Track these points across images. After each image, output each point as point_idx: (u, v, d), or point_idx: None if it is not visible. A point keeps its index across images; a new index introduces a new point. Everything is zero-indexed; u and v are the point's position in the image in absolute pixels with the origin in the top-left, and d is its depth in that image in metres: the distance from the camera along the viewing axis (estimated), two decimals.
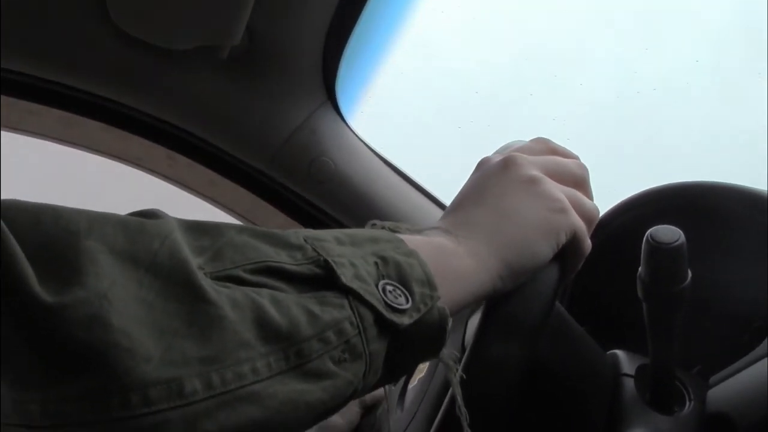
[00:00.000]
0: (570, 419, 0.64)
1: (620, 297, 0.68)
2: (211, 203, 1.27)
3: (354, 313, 0.41)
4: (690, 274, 0.59)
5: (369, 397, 0.86)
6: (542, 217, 0.53)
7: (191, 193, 1.26)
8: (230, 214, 1.28)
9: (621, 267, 0.68)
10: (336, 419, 0.84)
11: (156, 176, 1.25)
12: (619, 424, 0.61)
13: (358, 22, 1.07)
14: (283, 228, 1.32)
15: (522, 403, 0.53)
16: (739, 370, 0.64)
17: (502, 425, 0.51)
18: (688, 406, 0.63)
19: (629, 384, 0.65)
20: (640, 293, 0.61)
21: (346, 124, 1.21)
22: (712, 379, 0.66)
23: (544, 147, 0.60)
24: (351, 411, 0.85)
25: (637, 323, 0.63)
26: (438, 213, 1.22)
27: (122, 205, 0.47)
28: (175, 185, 1.25)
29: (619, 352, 0.68)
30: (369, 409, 0.86)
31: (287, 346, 0.38)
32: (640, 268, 0.60)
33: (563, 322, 0.65)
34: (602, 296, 0.82)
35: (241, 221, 1.27)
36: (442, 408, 0.53)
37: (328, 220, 1.21)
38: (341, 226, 1.20)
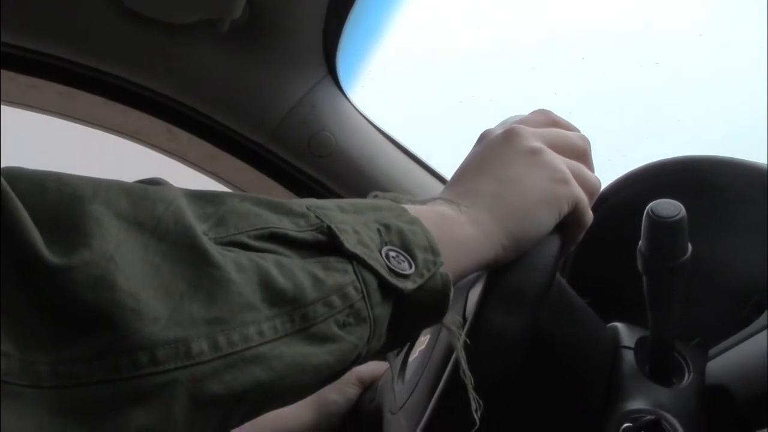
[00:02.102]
0: (569, 391, 0.65)
1: (621, 270, 0.68)
2: (211, 177, 1.27)
3: (358, 277, 0.42)
4: (690, 247, 0.59)
5: (367, 374, 0.86)
6: (544, 187, 0.53)
7: (191, 167, 1.26)
8: (231, 189, 1.27)
9: (622, 240, 0.68)
10: (334, 396, 0.84)
11: (156, 150, 1.24)
12: (619, 395, 0.62)
13: None
14: None
15: (522, 374, 0.53)
16: (738, 343, 0.64)
17: (504, 394, 0.52)
18: (687, 378, 0.63)
19: (629, 356, 0.65)
20: (640, 267, 0.61)
21: (347, 98, 1.21)
22: (711, 351, 0.66)
23: (545, 119, 0.60)
24: (349, 388, 0.85)
25: (637, 296, 0.63)
26: (439, 187, 1.22)
27: None
28: (175, 159, 1.25)
29: (619, 325, 0.68)
30: (367, 387, 0.86)
31: (292, 309, 0.39)
32: (640, 242, 0.60)
33: (564, 294, 0.65)
34: (603, 269, 0.82)
35: None
36: (444, 377, 0.53)
37: (328, 194, 1.21)
38: None
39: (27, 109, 1.19)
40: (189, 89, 1.16)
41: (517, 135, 0.55)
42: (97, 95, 1.16)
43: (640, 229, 0.59)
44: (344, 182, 1.21)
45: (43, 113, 1.20)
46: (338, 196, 1.20)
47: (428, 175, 1.24)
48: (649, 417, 0.59)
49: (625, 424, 0.59)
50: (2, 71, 1.11)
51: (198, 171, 1.26)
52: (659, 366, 0.64)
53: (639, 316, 0.65)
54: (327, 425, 0.84)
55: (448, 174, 1.22)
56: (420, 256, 0.45)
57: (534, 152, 0.54)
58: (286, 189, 1.23)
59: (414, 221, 0.47)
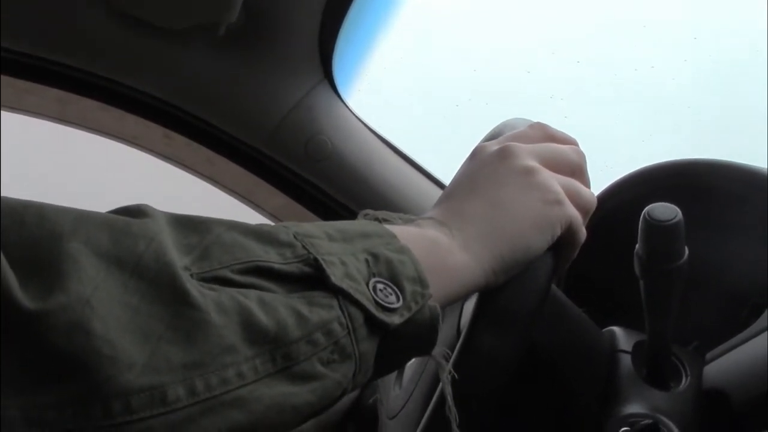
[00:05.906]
0: (567, 396, 0.65)
1: (617, 274, 0.68)
2: (208, 182, 1.27)
3: (343, 313, 0.41)
4: (687, 251, 0.59)
5: None
6: (537, 210, 0.52)
7: (189, 172, 1.26)
8: (228, 193, 1.28)
9: (618, 245, 0.68)
10: None
11: (153, 155, 1.24)
12: (616, 400, 0.62)
13: None
14: (281, 207, 1.31)
15: (519, 381, 0.53)
16: (735, 346, 0.64)
17: (492, 417, 0.51)
18: (685, 382, 0.63)
19: (626, 360, 0.65)
20: (637, 270, 0.61)
21: (343, 102, 1.21)
22: (709, 355, 0.66)
23: (540, 133, 0.59)
24: None
25: (634, 300, 0.63)
26: (434, 191, 1.22)
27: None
28: (172, 164, 1.25)
29: (616, 329, 0.68)
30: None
31: (274, 348, 0.38)
32: (637, 246, 0.60)
33: (558, 303, 0.65)
34: (599, 274, 0.82)
35: (238, 200, 1.28)
36: (431, 407, 0.53)
37: (325, 198, 1.21)
38: (338, 204, 1.20)
39: (24, 114, 1.19)
40: (186, 94, 1.16)
41: (511, 154, 0.55)
42: (94, 100, 1.16)
43: (637, 233, 0.59)
44: (341, 186, 1.21)
45: (40, 118, 1.20)
46: (334, 199, 1.20)
47: (424, 178, 1.24)
48: (646, 421, 0.59)
49: (623, 429, 0.59)
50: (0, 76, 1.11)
51: (195, 175, 1.26)
52: (656, 370, 0.64)
53: (636, 319, 0.65)
54: (327, 422, 0.84)
55: (443, 177, 1.23)
56: (408, 288, 0.44)
57: (527, 172, 0.54)
58: (283, 193, 1.23)
59: (403, 250, 0.46)
